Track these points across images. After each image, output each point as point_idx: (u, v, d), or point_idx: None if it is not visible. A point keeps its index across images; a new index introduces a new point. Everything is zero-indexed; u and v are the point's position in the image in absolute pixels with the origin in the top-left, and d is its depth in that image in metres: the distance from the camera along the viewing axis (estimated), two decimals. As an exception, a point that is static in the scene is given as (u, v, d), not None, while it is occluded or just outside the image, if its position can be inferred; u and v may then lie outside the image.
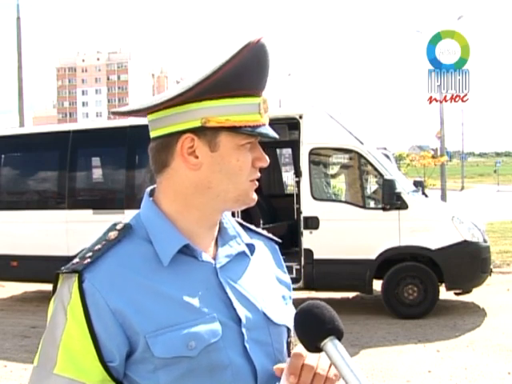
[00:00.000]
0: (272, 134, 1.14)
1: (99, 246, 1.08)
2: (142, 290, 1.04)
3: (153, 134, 1.14)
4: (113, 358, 1.02)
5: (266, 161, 1.15)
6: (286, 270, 1.31)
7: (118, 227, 1.12)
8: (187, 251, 1.10)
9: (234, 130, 1.09)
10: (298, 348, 1.07)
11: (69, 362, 1.01)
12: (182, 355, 1.02)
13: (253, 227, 1.29)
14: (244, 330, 1.09)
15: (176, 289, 1.07)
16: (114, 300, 1.02)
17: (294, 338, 1.19)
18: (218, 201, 1.12)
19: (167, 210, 1.13)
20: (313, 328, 1.02)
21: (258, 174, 1.15)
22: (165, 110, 1.11)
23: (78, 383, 1.01)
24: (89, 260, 1.05)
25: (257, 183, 1.16)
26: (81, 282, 1.03)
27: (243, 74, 1.09)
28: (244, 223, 1.28)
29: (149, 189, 1.19)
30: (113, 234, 1.10)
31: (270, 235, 1.32)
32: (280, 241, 1.33)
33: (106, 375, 1.02)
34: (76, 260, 1.07)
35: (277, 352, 1.13)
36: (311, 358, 1.05)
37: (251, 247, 1.20)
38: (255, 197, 1.17)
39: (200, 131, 1.09)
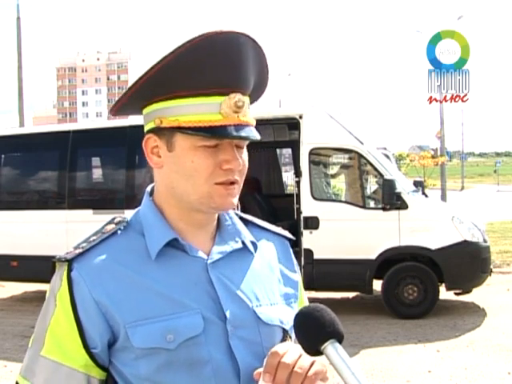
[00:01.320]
0: (241, 133, 1.07)
1: (94, 238, 1.11)
2: (127, 282, 1.07)
3: None
4: (95, 345, 1.05)
5: (235, 164, 1.08)
6: (295, 267, 1.27)
7: (116, 221, 1.15)
8: (178, 246, 1.11)
9: (185, 130, 1.07)
10: (277, 346, 1.05)
11: (55, 346, 1.05)
12: (160, 347, 1.04)
13: (263, 223, 1.28)
14: (229, 327, 1.09)
15: (162, 282, 1.08)
16: (98, 290, 1.05)
17: (290, 339, 1.17)
18: (185, 202, 1.12)
19: (160, 206, 1.16)
20: (313, 331, 1.01)
21: (230, 178, 1.09)
22: (143, 110, 1.15)
23: (62, 366, 1.05)
24: (81, 250, 1.08)
25: (231, 187, 1.10)
26: (69, 271, 1.07)
27: (188, 72, 1.05)
28: (254, 220, 1.26)
29: (150, 186, 1.21)
30: (109, 227, 1.13)
31: (282, 231, 1.29)
32: (293, 237, 1.31)
33: (89, 360, 1.05)
34: (70, 249, 1.10)
35: (267, 352, 1.10)
36: (288, 357, 1.02)
37: (254, 245, 1.20)
38: (229, 201, 1.11)
39: (159, 131, 1.11)
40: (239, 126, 1.08)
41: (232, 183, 1.10)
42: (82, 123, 25.13)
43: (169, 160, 1.11)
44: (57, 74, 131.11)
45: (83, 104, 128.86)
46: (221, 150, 1.09)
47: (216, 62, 1.06)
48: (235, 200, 1.13)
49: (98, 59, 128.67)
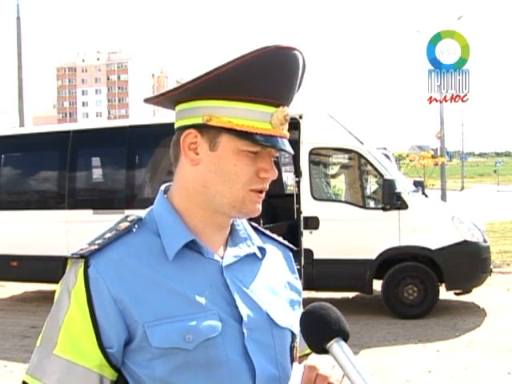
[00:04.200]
0: (284, 147, 1.11)
1: (109, 235, 1.10)
2: (145, 281, 1.06)
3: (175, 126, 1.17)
4: (111, 345, 1.04)
5: (272, 173, 1.12)
6: (298, 276, 1.30)
7: (130, 219, 1.14)
8: (194, 247, 1.11)
9: (234, 133, 1.07)
10: (311, 359, 1.08)
11: (68, 345, 1.03)
12: (179, 347, 1.03)
13: (268, 232, 1.30)
14: (245, 329, 1.09)
15: (179, 283, 1.08)
16: (116, 287, 1.04)
17: (298, 344, 1.19)
18: (215, 203, 1.12)
19: (177, 206, 1.15)
20: (319, 329, 1.03)
21: (264, 186, 1.12)
22: (182, 104, 1.13)
23: (75, 365, 1.03)
24: (96, 247, 1.07)
25: (262, 195, 1.13)
26: (86, 268, 1.05)
27: (253, 78, 1.07)
28: (259, 228, 1.28)
29: (164, 185, 1.21)
30: (123, 225, 1.12)
31: (285, 242, 1.32)
32: (295, 248, 1.33)
33: (104, 360, 1.03)
34: (85, 246, 1.09)
35: (279, 355, 1.13)
36: (325, 368, 1.05)
37: (262, 251, 1.21)
38: (257, 208, 1.13)
39: (203, 128, 1.10)
40: (283, 138, 1.11)
41: (262, 191, 1.13)
42: (82, 123, 25.15)
43: (208, 159, 1.10)
44: (57, 74, 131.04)
45: (83, 104, 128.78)
46: (260, 158, 1.10)
47: (277, 74, 1.08)
48: (260, 207, 1.15)
49: (98, 59, 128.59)
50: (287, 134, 1.13)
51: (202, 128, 1.10)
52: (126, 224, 1.12)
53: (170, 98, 1.15)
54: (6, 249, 8.79)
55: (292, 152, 1.13)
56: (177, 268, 1.09)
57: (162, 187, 1.20)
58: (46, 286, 9.14)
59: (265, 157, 1.11)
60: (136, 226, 1.12)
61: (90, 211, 8.45)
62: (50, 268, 7.86)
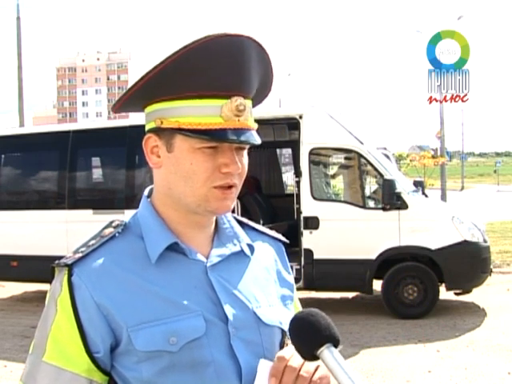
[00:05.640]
0: (243, 138, 1.07)
1: (93, 242, 1.11)
2: (127, 286, 1.07)
3: None
4: (98, 349, 1.05)
5: (234, 167, 1.08)
6: (290, 270, 1.29)
7: (114, 224, 1.15)
8: (178, 249, 1.12)
9: (184, 132, 1.06)
10: (283, 351, 1.06)
11: (56, 351, 1.05)
12: (163, 350, 1.04)
13: (258, 227, 1.28)
14: (230, 329, 1.09)
15: (162, 285, 1.08)
16: (99, 294, 1.05)
17: (288, 340, 1.17)
18: (182, 203, 1.12)
19: (158, 208, 1.16)
20: (309, 336, 1.02)
21: (229, 182, 1.09)
22: (145, 110, 1.14)
23: (63, 371, 1.04)
24: (80, 255, 1.08)
25: (229, 191, 1.10)
26: (70, 276, 1.06)
27: (193, 72, 1.05)
28: (249, 223, 1.27)
29: (148, 188, 1.21)
30: (108, 231, 1.13)
31: (277, 235, 1.31)
32: (287, 241, 1.32)
33: (91, 365, 1.05)
34: (69, 254, 1.10)
35: (267, 352, 1.12)
36: (295, 361, 1.04)
37: (251, 248, 1.20)
38: (225, 205, 1.11)
39: (160, 131, 1.10)
40: (239, 130, 1.07)
41: (230, 187, 1.10)
42: (82, 123, 25.13)
43: (167, 161, 1.10)
44: (57, 74, 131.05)
45: (83, 104, 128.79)
46: (220, 153, 1.08)
47: (219, 65, 1.05)
48: (232, 204, 1.12)
49: (98, 59, 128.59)
50: (248, 124, 1.09)
51: (158, 131, 1.10)
52: (110, 230, 1.13)
53: (123, 107, 1.16)
54: (5, 249, 8.79)
55: (256, 142, 1.09)
56: (160, 271, 1.09)
57: (146, 191, 1.20)
58: (46, 286, 9.12)
59: (225, 151, 1.08)
60: (120, 231, 1.12)
61: (90, 211, 8.45)
62: (50, 268, 7.84)
